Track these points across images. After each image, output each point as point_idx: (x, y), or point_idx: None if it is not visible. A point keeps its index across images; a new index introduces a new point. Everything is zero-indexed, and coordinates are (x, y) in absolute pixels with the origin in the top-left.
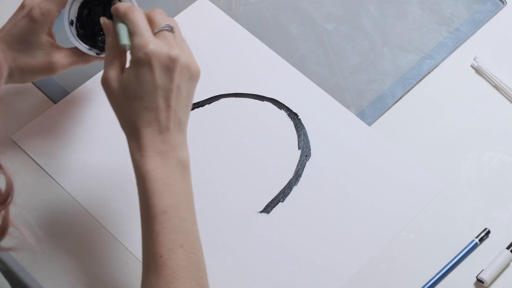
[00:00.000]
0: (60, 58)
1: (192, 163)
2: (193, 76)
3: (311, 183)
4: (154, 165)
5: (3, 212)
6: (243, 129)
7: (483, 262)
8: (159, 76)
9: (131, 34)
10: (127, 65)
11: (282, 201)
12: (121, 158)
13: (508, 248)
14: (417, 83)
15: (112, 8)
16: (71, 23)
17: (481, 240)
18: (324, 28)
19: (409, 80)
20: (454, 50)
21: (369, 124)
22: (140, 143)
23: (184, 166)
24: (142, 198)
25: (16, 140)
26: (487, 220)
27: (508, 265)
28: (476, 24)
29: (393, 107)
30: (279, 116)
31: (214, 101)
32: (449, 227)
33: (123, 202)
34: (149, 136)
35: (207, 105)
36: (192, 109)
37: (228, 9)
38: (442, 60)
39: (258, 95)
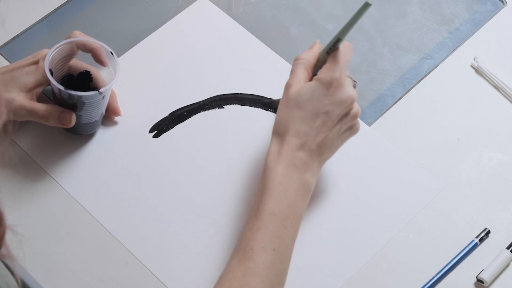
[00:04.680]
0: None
1: (193, 163)
2: (353, 129)
3: None
4: (284, 171)
5: None
6: (243, 129)
7: (483, 262)
8: (331, 103)
9: (336, 60)
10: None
11: None
12: (121, 158)
13: (508, 248)
14: (417, 83)
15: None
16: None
17: (481, 240)
18: (324, 28)
19: (409, 80)
20: (454, 50)
21: (369, 124)
22: (282, 147)
23: (306, 189)
24: (260, 194)
25: (16, 140)
26: (487, 220)
27: (508, 265)
28: (476, 24)
29: (393, 107)
30: None
31: (214, 100)
32: (449, 227)
33: (123, 202)
34: (293, 146)
35: (208, 105)
36: (192, 108)
37: (228, 9)
38: (442, 60)
39: (258, 95)
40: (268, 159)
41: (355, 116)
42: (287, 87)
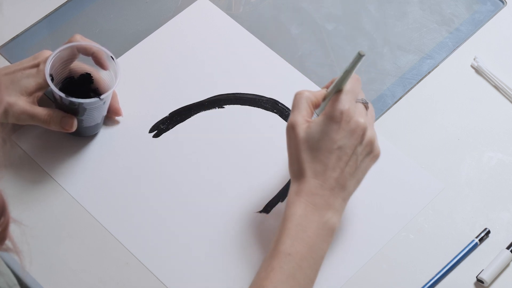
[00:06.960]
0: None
1: (193, 163)
2: (373, 156)
3: None
4: (302, 212)
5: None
6: (243, 130)
7: (483, 262)
8: (342, 137)
9: (342, 92)
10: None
11: (282, 201)
12: (121, 158)
13: (508, 248)
14: (417, 83)
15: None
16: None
17: (481, 240)
18: (324, 28)
19: (409, 80)
20: (454, 50)
21: None
22: (300, 188)
23: (329, 229)
24: (278, 234)
25: (16, 140)
26: (487, 220)
27: (508, 265)
28: (476, 24)
29: (393, 107)
30: (279, 116)
31: (214, 100)
32: (449, 227)
33: (123, 202)
34: (311, 186)
35: (208, 105)
36: (192, 108)
37: (228, 9)
38: (442, 60)
39: (258, 95)
40: (288, 200)
41: (370, 143)
42: (293, 126)
